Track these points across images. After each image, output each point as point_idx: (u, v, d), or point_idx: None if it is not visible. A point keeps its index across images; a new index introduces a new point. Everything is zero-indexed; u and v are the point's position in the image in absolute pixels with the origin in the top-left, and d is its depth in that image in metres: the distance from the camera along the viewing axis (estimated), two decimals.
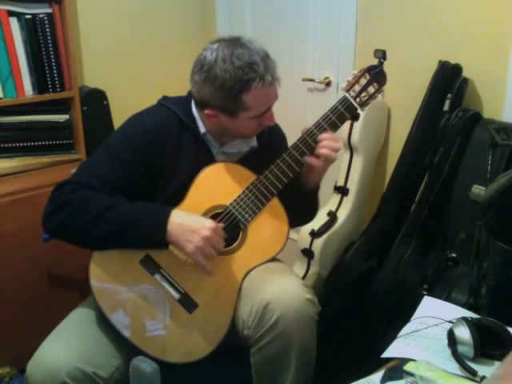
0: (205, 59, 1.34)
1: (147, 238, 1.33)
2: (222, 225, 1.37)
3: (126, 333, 1.32)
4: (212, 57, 1.32)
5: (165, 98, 1.50)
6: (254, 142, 1.50)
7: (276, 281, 1.36)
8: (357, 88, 1.42)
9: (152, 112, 1.46)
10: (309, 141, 1.41)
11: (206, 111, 1.39)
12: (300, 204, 1.51)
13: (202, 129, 1.44)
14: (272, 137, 1.53)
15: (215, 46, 1.35)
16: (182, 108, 1.45)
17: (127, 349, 1.32)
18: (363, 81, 1.43)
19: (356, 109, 1.43)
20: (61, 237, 1.38)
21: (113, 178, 1.36)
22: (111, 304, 1.33)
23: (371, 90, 1.44)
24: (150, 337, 1.34)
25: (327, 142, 1.40)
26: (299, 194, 1.49)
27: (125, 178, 1.37)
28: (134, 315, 1.34)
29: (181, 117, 1.43)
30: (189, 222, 1.32)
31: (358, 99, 1.43)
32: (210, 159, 1.45)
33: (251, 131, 1.45)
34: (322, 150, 1.39)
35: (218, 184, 1.41)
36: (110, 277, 1.34)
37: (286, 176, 1.41)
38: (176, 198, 1.40)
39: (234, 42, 1.34)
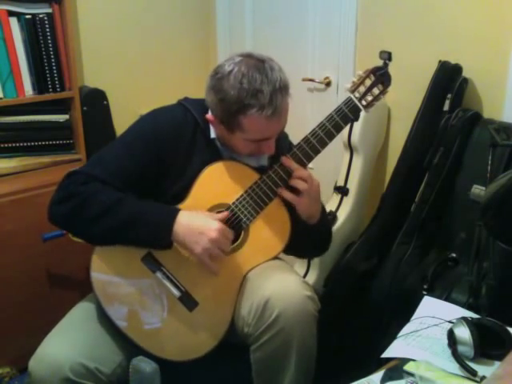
0: (222, 68, 1.33)
1: (152, 236, 1.33)
2: (225, 214, 1.37)
3: (124, 327, 1.32)
4: (228, 68, 1.31)
5: (186, 98, 1.50)
6: (264, 161, 1.47)
7: (276, 278, 1.36)
8: (362, 89, 1.42)
9: (169, 111, 1.46)
10: (313, 141, 1.40)
11: (208, 115, 1.40)
12: (306, 237, 1.47)
13: (213, 134, 1.44)
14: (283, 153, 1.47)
15: (238, 59, 1.33)
16: (199, 110, 1.44)
17: (129, 345, 1.33)
18: (368, 82, 1.42)
19: (360, 110, 1.43)
20: (65, 227, 1.40)
21: (123, 173, 1.36)
22: (110, 297, 1.33)
23: (376, 91, 1.43)
24: (149, 333, 1.34)
25: (297, 172, 1.39)
26: (301, 227, 1.45)
27: (135, 174, 1.37)
28: (133, 311, 1.34)
29: (196, 118, 1.43)
30: (196, 222, 1.32)
31: (362, 100, 1.42)
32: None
33: (248, 152, 1.41)
34: (294, 181, 1.39)
35: (220, 182, 1.41)
36: (110, 271, 1.35)
37: (288, 176, 1.40)
38: (182, 195, 1.40)
39: (257, 64, 1.31)
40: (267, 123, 1.33)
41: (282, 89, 1.32)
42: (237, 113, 1.31)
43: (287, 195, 1.40)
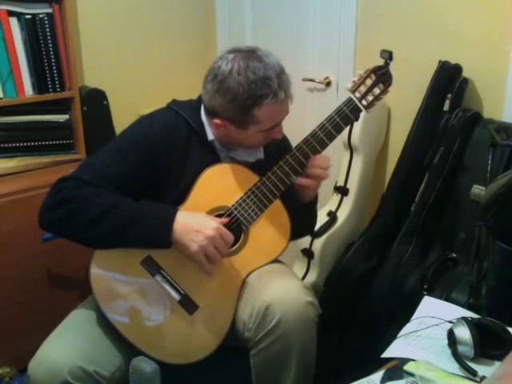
0: (219, 69, 1.32)
1: (152, 236, 1.32)
2: (225, 219, 1.37)
3: (123, 331, 1.32)
4: (227, 68, 1.31)
5: (174, 101, 1.49)
6: (261, 155, 1.48)
7: (277, 283, 1.35)
8: (362, 89, 1.41)
9: (161, 115, 1.45)
10: (313, 142, 1.40)
11: (215, 120, 1.38)
12: (297, 217, 1.47)
13: (210, 136, 1.43)
14: (279, 148, 1.49)
15: (231, 56, 1.33)
16: (191, 113, 1.44)
17: (129, 348, 1.33)
18: (369, 82, 1.41)
19: (361, 110, 1.42)
20: (57, 232, 1.38)
21: (116, 178, 1.35)
22: (108, 299, 1.33)
23: (376, 91, 1.42)
24: (149, 337, 1.34)
25: (318, 161, 1.40)
26: (296, 207, 1.47)
27: (128, 178, 1.36)
28: (132, 313, 1.34)
29: (189, 122, 1.43)
30: (193, 221, 1.32)
31: (363, 101, 1.41)
32: (216, 162, 1.44)
33: (258, 143, 1.44)
34: (314, 170, 1.40)
35: (220, 185, 1.41)
36: (110, 275, 1.34)
37: (288, 178, 1.40)
38: (181, 199, 1.39)
39: (250, 55, 1.32)
40: (280, 108, 1.35)
41: (282, 70, 1.35)
42: (251, 107, 1.31)
43: (304, 182, 1.41)
